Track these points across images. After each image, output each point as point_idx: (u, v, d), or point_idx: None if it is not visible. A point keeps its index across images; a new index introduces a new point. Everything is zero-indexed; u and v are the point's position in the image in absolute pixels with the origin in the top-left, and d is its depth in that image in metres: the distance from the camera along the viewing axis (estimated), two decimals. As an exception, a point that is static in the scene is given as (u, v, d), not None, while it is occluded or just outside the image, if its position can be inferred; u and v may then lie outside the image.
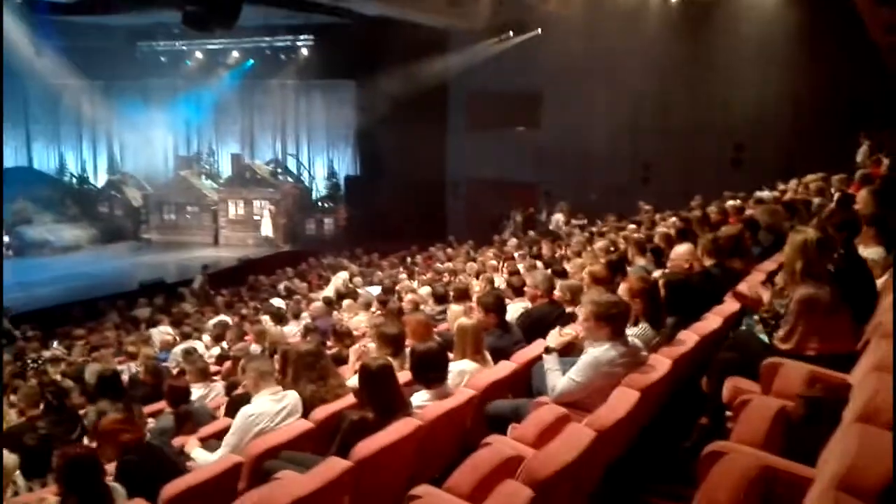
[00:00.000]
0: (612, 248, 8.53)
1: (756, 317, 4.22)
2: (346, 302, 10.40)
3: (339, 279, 13.90)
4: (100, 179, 25.93)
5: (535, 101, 19.82)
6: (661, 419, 4.24)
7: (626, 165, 18.37)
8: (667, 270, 5.43)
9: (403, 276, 13.62)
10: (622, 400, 3.40)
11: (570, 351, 4.20)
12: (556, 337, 4.12)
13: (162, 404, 5.99)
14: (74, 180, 25.59)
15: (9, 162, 24.61)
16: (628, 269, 6.36)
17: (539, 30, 19.12)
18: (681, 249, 5.18)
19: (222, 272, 18.96)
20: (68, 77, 22.60)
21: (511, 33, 19.54)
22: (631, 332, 3.99)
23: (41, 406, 6.47)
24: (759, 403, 3.01)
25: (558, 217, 17.32)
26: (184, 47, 23.67)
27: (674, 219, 11.44)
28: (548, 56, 18.69)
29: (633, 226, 11.55)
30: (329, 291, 13.12)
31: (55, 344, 12.08)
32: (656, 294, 4.48)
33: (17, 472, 4.41)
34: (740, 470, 2.29)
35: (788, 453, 2.81)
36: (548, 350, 4.04)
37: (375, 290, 12.16)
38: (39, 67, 21.39)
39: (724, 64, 16.75)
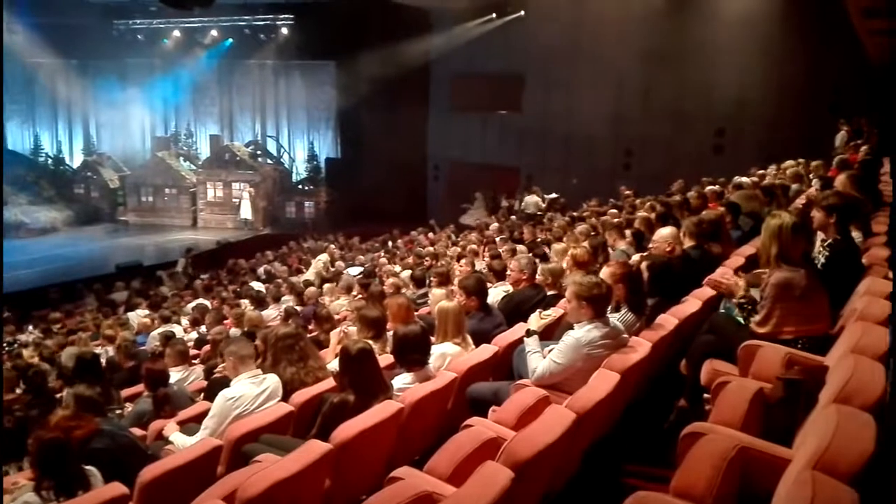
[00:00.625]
0: (593, 233, 8.56)
1: (734, 300, 4.25)
2: (326, 285, 10.37)
3: (319, 262, 13.87)
4: (76, 160, 25.55)
5: (518, 84, 19.76)
6: (641, 401, 4.27)
7: (608, 150, 18.42)
8: (647, 254, 5.45)
9: (384, 259, 13.59)
10: (602, 382, 3.41)
11: (550, 334, 4.21)
12: (536, 319, 4.12)
13: (140, 388, 5.94)
14: (50, 161, 25.20)
15: (-19, 142, 24.19)
16: (610, 252, 6.38)
17: (522, 12, 19.01)
18: (664, 232, 5.19)
19: (201, 255, 18.78)
20: (43, 55, 22.19)
21: (493, 15, 19.40)
22: (613, 317, 4.00)
23: (17, 389, 6.41)
24: (737, 385, 3.04)
25: (534, 200, 17.36)
26: (161, 25, 23.27)
27: (650, 203, 11.54)
28: (531, 39, 18.63)
29: (613, 210, 11.59)
30: (310, 275, 13.10)
31: (30, 327, 11.92)
32: (638, 279, 4.50)
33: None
34: (718, 450, 2.31)
35: (766, 434, 2.85)
36: (528, 333, 4.04)
37: (356, 272, 12.17)
38: (14, 45, 20.92)
39: (707, 49, 16.78)
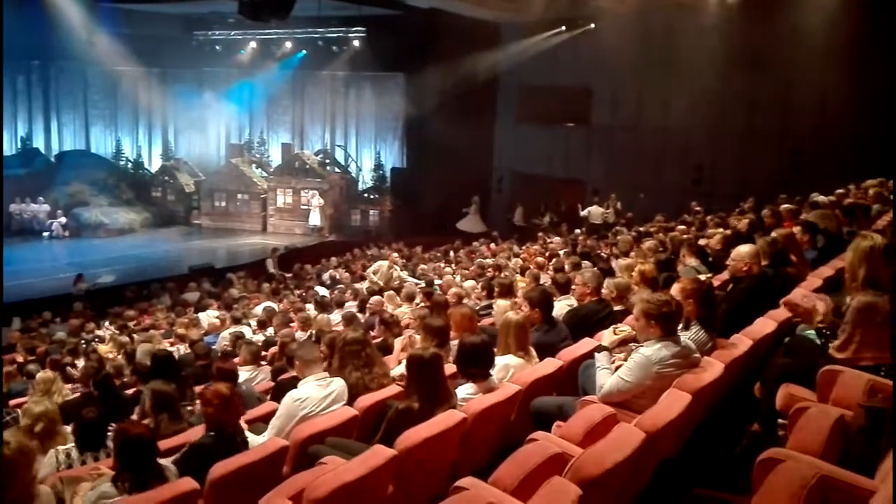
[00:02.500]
0: (661, 248, 8.39)
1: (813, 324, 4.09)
2: (387, 293, 10.46)
3: (379, 269, 13.88)
4: (154, 165, 26.54)
5: (586, 96, 19.60)
6: (711, 423, 4.15)
7: (677, 165, 18.03)
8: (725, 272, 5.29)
9: (447, 269, 13.64)
10: (673, 402, 3.34)
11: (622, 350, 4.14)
12: (610, 335, 4.06)
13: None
14: (130, 165, 26.22)
15: (67, 145, 25.50)
16: (679, 269, 6.25)
17: (592, 24, 18.87)
18: (742, 251, 5.04)
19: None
20: (126, 64, 23.24)
21: (563, 28, 19.33)
22: (684, 335, 3.91)
23: (95, 383, 6.68)
24: (817, 411, 2.93)
25: (598, 210, 17.25)
26: (238, 37, 24.07)
27: (718, 218, 11.26)
28: (599, 52, 18.45)
29: (682, 226, 11.36)
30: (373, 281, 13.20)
31: (107, 323, 12.45)
32: (710, 296, 4.39)
33: (72, 444, 4.54)
34: (798, 478, 2.23)
35: (846, 463, 2.73)
36: (600, 348, 3.98)
37: (417, 282, 12.26)
38: (99, 54, 22.04)
39: (784, 65, 16.21)
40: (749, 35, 16.48)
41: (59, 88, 25.24)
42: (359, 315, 9.43)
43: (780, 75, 16.32)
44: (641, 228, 12.29)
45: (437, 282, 12.06)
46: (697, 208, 13.69)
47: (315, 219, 22.93)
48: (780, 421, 3.73)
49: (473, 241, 17.23)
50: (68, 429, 5.33)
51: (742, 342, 4.24)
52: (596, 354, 4.00)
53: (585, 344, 4.76)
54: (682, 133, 17.85)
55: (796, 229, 6.81)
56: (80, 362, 8.99)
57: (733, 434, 4.06)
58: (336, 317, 9.39)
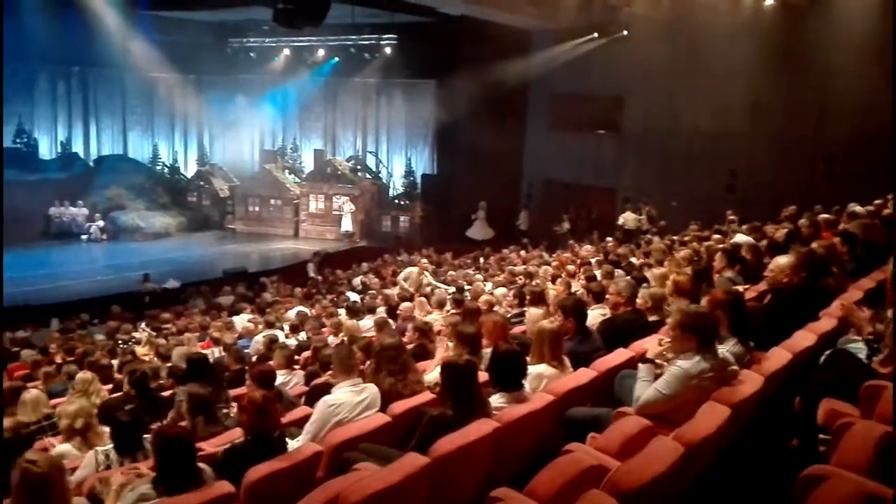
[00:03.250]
0: (695, 258, 8.29)
1: (855, 336, 4.01)
2: (418, 300, 10.47)
3: (409, 276, 13.92)
4: (190, 170, 26.97)
5: (618, 103, 19.47)
6: (750, 437, 4.08)
7: (710, 172, 17.80)
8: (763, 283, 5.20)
9: (477, 276, 13.61)
10: (712, 415, 3.29)
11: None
12: (655, 347, 4.00)
13: (244, 389, 6.18)
14: (166, 170, 26.66)
15: (105, 150, 26.04)
16: (715, 279, 6.17)
17: (625, 31, 18.76)
18: (782, 262, 4.95)
19: (301, 264, 19.44)
20: (163, 70, 23.68)
21: (595, 35, 19.24)
22: (721, 348, 3.85)
23: (131, 383, 6.79)
24: (862, 428, 2.86)
25: (632, 217, 17.16)
26: (272, 44, 24.40)
27: (745, 227, 11.07)
28: (631, 58, 18.33)
29: (717, 235, 11.19)
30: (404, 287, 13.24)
31: (143, 325, 12.67)
32: (742, 307, 4.32)
33: (111, 445, 4.62)
34: (843, 496, 2.19)
35: (891, 481, 2.67)
36: (643, 359, 3.93)
37: (447, 289, 12.27)
38: (137, 60, 22.50)
39: (820, 71, 15.91)
40: (783, 39, 16.22)
41: (97, 94, 25.80)
42: (390, 321, 9.47)
43: (815, 80, 16.03)
44: (675, 237, 12.14)
45: (466, 288, 12.11)
46: (732, 217, 13.47)
47: (347, 224, 23.13)
48: (820, 436, 3.66)
49: (503, 249, 17.18)
50: (105, 428, 5.45)
51: (781, 355, 4.17)
52: (639, 365, 3.95)
53: (620, 354, 4.72)
54: (715, 140, 17.62)
55: (836, 240, 6.68)
56: (116, 363, 9.19)
57: (772, 449, 3.99)
58: (367, 322, 9.45)
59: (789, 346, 4.29)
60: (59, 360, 10.04)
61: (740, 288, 5.51)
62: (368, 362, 4.90)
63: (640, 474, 2.59)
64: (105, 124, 26.23)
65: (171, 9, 21.92)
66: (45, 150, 24.62)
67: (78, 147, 25.50)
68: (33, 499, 3.16)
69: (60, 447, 5.03)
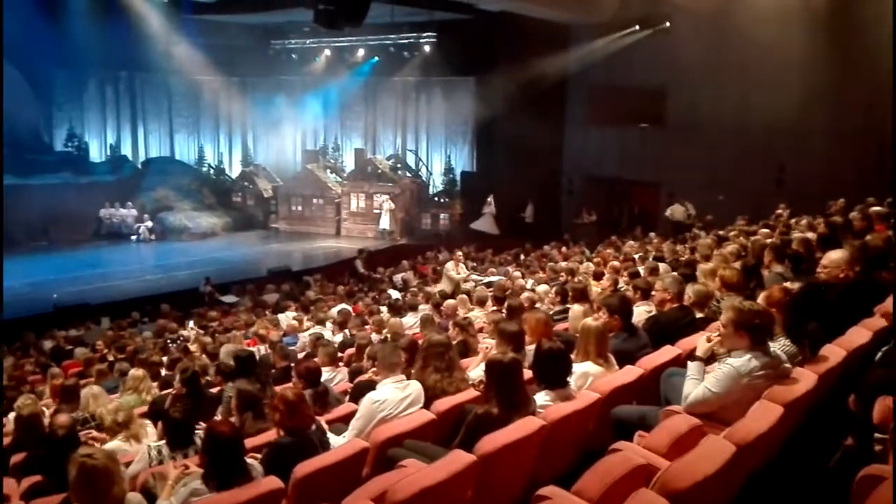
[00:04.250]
0: (742, 253, 8.11)
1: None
2: (460, 297, 10.47)
3: (449, 272, 13.92)
4: (234, 171, 27.48)
5: (660, 97, 19.14)
6: (803, 437, 3.98)
7: (758, 166, 17.38)
8: (817, 278, 5.04)
9: (517, 273, 13.55)
10: (764, 414, 3.22)
11: (710, 359, 4.01)
12: (703, 344, 3.92)
13: (290, 385, 6.27)
14: (212, 171, 27.20)
15: (153, 152, 26.71)
16: (764, 275, 6.02)
17: (667, 23, 18.44)
18: (837, 256, 4.80)
19: (343, 263, 19.65)
20: (208, 73, 24.19)
21: (637, 27, 18.96)
22: (772, 346, 3.76)
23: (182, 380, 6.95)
24: (922, 427, 2.76)
25: (680, 209, 16.93)
26: (314, 45, 24.68)
27: (807, 222, 10.78)
28: (675, 51, 17.99)
29: (765, 230, 10.93)
30: (444, 286, 13.29)
31: (191, 324, 12.94)
32: (799, 306, 4.20)
33: (163, 441, 4.74)
34: (906, 499, 2.11)
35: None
36: (693, 357, 3.86)
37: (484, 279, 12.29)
38: (182, 64, 23.02)
39: (870, 65, 15.35)
40: (834, 27, 15.71)
41: (145, 98, 26.46)
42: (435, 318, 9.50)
43: (867, 70, 15.47)
44: (721, 232, 11.89)
45: (494, 280, 12.12)
46: (779, 210, 13.14)
47: (385, 223, 23.28)
48: (876, 435, 3.55)
49: (544, 245, 17.07)
50: (146, 422, 5.60)
51: (835, 353, 4.05)
52: (688, 363, 3.88)
53: (666, 352, 4.64)
54: (762, 133, 17.17)
55: (888, 233, 6.46)
56: (166, 360, 9.41)
57: (826, 448, 3.88)
58: (409, 320, 9.49)
59: (843, 344, 4.17)
60: (110, 357, 10.34)
61: (791, 284, 5.37)
62: (416, 359, 4.90)
63: (692, 474, 2.55)
64: (152, 127, 26.90)
65: (214, 13, 22.34)
66: (96, 154, 25.34)
67: (126, 150, 26.19)
68: (91, 491, 3.25)
69: (111, 443, 5.17)
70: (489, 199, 22.29)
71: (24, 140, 22.74)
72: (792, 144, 16.78)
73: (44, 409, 6.70)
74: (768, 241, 8.47)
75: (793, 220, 11.60)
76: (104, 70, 24.67)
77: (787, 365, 3.69)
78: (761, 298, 4.13)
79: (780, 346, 3.90)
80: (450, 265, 13.69)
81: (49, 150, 23.78)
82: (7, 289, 16.35)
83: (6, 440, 6.26)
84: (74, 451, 3.44)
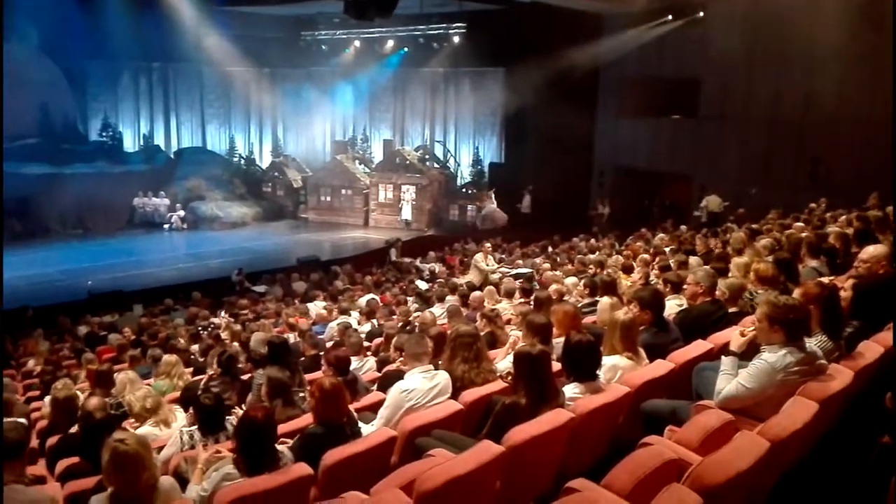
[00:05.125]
0: (776, 247, 7.97)
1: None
2: (487, 289, 10.45)
3: (479, 264, 13.88)
4: (265, 161, 27.74)
5: (693, 88, 18.85)
6: (838, 434, 3.91)
7: (791, 159, 17.05)
8: (855, 274, 4.93)
9: (546, 265, 13.49)
10: (799, 410, 3.16)
11: (745, 353, 3.95)
12: (737, 339, 3.86)
13: (319, 374, 6.32)
14: (243, 161, 27.49)
15: (185, 142, 27.07)
16: (800, 269, 5.92)
17: (700, 13, 18.14)
18: (875, 251, 4.70)
19: (371, 253, 19.74)
20: (239, 64, 24.43)
21: (670, 17, 18.68)
22: (808, 342, 3.68)
23: (209, 370, 7.07)
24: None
25: (716, 200, 16.75)
26: (343, 36, 24.77)
27: (845, 217, 10.55)
28: (708, 41, 17.72)
29: (799, 224, 10.73)
30: (473, 277, 13.28)
31: (222, 312, 13.10)
32: (835, 301, 4.12)
33: (195, 427, 4.80)
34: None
35: None
36: (727, 352, 3.80)
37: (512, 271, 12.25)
38: (214, 55, 23.26)
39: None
40: (871, 18, 15.27)
41: (177, 89, 26.82)
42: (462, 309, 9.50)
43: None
44: (755, 225, 11.70)
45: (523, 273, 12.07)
46: (813, 205, 12.88)
47: (406, 213, 23.35)
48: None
49: (573, 237, 16.96)
50: (175, 407, 5.68)
51: (872, 349, 3.97)
52: (722, 358, 3.82)
53: (698, 346, 4.59)
54: (797, 125, 16.85)
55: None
56: (195, 347, 9.56)
57: (862, 446, 3.81)
58: (437, 311, 9.50)
59: (881, 340, 4.08)
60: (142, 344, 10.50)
61: (827, 279, 5.26)
62: (444, 349, 4.91)
63: (725, 469, 2.51)
64: (185, 118, 27.25)
65: (246, 4, 22.52)
66: (129, 144, 25.76)
67: (159, 140, 26.59)
68: (122, 476, 3.31)
69: (142, 429, 5.27)
70: (490, 193, 22.60)
71: (61, 130, 23.21)
72: (826, 136, 16.43)
73: (78, 392, 6.85)
74: (803, 234, 8.33)
75: (828, 214, 11.37)
76: (138, 61, 25.05)
77: (823, 361, 3.62)
78: (797, 293, 4.05)
79: (816, 341, 3.83)
80: (479, 257, 13.66)
81: (84, 140, 24.22)
82: (43, 276, 16.83)
83: (43, 423, 6.43)
84: (109, 434, 3.50)
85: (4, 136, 21.10)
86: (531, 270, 12.81)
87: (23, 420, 5.97)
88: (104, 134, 24.78)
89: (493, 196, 22.67)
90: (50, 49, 22.21)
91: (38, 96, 22.48)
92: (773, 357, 3.50)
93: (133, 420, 5.51)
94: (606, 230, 18.20)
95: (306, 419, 4.68)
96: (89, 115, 24.78)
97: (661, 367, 4.33)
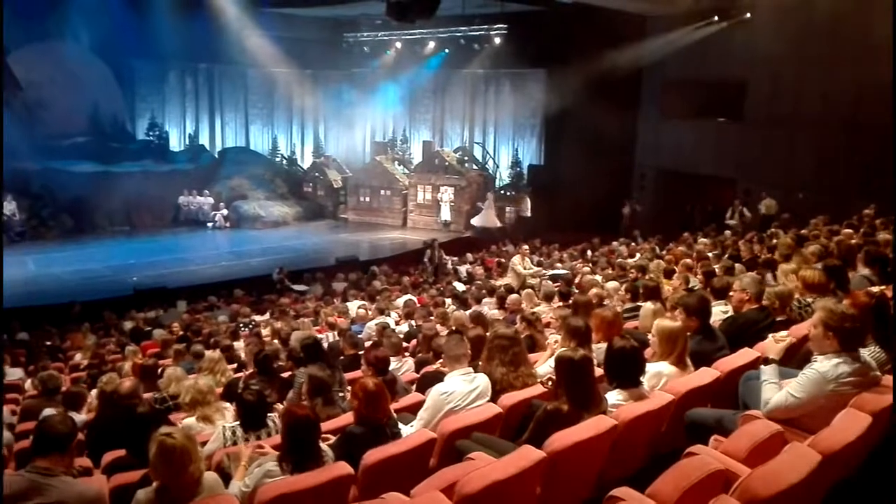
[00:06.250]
0: (825, 253, 7.75)
1: None
2: (525, 291, 10.40)
3: (516, 267, 13.83)
4: (306, 161, 28.08)
5: (739, 90, 18.47)
6: (889, 447, 3.78)
7: (841, 164, 16.58)
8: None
9: (586, 268, 13.36)
10: (851, 423, 3.07)
11: (787, 361, 3.86)
12: (774, 346, 3.77)
13: (358, 373, 6.36)
14: (284, 161, 27.88)
15: (229, 142, 27.56)
16: (850, 277, 5.75)
17: (747, 14, 17.77)
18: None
19: (408, 254, 19.81)
20: (282, 66, 24.76)
21: (715, 18, 18.35)
22: (862, 352, 3.57)
23: (255, 362, 7.14)
24: None
25: (773, 203, 16.45)
26: (385, 38, 24.91)
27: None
28: (755, 42, 17.32)
29: (848, 230, 10.44)
30: (510, 280, 13.23)
31: (267, 315, 13.25)
32: (887, 311, 3.99)
33: (237, 423, 4.87)
34: None
35: None
36: (767, 361, 3.72)
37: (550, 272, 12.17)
38: (258, 57, 23.64)
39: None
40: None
41: (222, 89, 27.33)
42: (496, 312, 9.47)
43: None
44: (803, 231, 11.41)
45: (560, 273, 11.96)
46: (869, 211, 12.52)
47: (445, 214, 23.35)
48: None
49: (612, 241, 16.78)
50: (225, 404, 5.76)
51: (929, 361, 3.82)
52: (762, 367, 3.74)
53: (745, 354, 4.48)
54: (848, 128, 16.37)
55: None
56: (237, 344, 9.69)
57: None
58: (485, 310, 9.48)
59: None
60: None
61: (877, 288, 5.11)
62: (483, 351, 4.89)
63: (775, 482, 2.45)
64: (229, 118, 27.75)
65: (290, 6, 22.82)
66: (175, 143, 26.31)
67: (204, 140, 27.09)
68: (169, 469, 3.38)
69: (185, 420, 5.37)
70: (488, 195, 22.72)
71: (110, 129, 23.84)
72: (878, 141, 15.91)
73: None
74: (852, 241, 8.09)
75: (877, 220, 11.03)
76: (184, 62, 25.58)
77: (877, 372, 3.51)
78: (847, 302, 3.93)
79: (869, 352, 3.71)
80: (516, 259, 13.61)
81: (132, 139, 24.83)
82: (90, 271, 17.31)
83: (90, 415, 6.59)
84: (156, 428, 3.57)
85: (58, 134, 21.90)
86: (568, 272, 12.72)
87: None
88: (151, 133, 25.36)
89: (490, 197, 22.67)
90: (100, 49, 22.84)
91: (90, 96, 23.16)
92: (824, 367, 3.40)
93: (182, 413, 5.62)
94: (629, 230, 17.98)
95: (346, 418, 4.71)
96: (137, 114, 25.38)
97: (706, 375, 4.24)
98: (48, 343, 11.87)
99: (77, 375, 9.88)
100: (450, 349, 4.74)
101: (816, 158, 16.89)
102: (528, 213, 22.57)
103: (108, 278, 16.88)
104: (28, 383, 8.95)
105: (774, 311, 5.26)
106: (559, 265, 14.48)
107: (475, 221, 22.84)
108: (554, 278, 11.73)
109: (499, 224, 22.50)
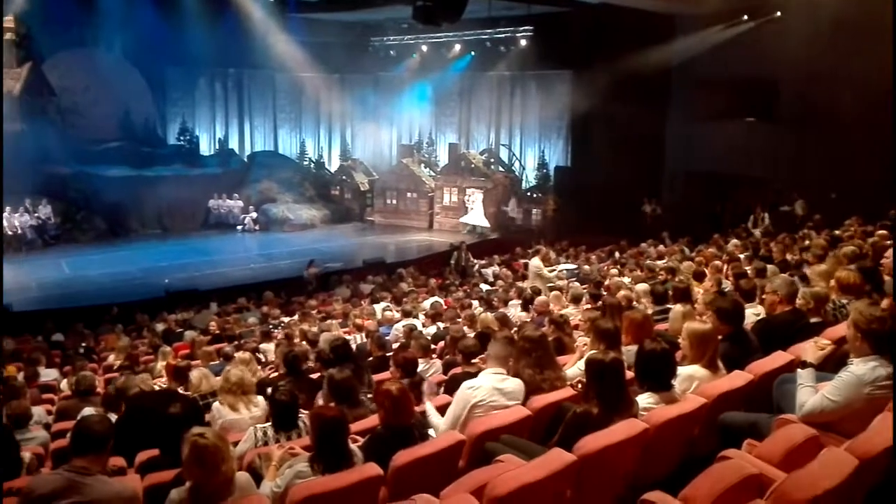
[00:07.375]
0: (859, 255, 7.61)
1: None
2: (553, 294, 10.34)
3: (541, 271, 13.69)
4: (333, 164, 28.27)
5: (770, 89, 18.19)
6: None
7: (877, 164, 16.22)
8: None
9: (613, 270, 13.25)
10: (888, 426, 3.00)
11: (823, 365, 3.79)
12: (813, 350, 3.72)
13: (386, 375, 6.39)
14: (312, 165, 28.12)
15: (258, 146, 27.89)
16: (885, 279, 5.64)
17: (778, 13, 17.51)
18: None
19: (434, 256, 19.83)
20: (310, 70, 24.99)
21: (745, 17, 18.11)
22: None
23: (285, 362, 7.20)
24: None
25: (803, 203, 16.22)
26: (411, 41, 25.01)
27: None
28: (786, 42, 17.01)
29: (882, 231, 10.23)
30: (534, 282, 13.14)
31: (296, 317, 13.35)
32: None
33: (269, 423, 4.92)
34: None
35: None
36: (804, 364, 3.67)
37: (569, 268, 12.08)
38: (286, 61, 23.89)
39: None
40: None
41: (251, 94, 27.69)
42: (522, 314, 9.45)
43: None
44: (837, 232, 11.21)
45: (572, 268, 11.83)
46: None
47: (478, 218, 23.32)
48: None
49: (641, 243, 16.62)
50: (258, 397, 5.82)
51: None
52: (798, 371, 3.68)
53: (778, 357, 4.42)
54: (880, 128, 16.02)
55: None
56: (266, 346, 9.79)
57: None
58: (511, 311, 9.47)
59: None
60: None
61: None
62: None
63: (811, 487, 2.41)
64: (258, 122, 28.09)
65: (317, 11, 23.02)
66: (205, 147, 26.70)
67: (233, 144, 27.44)
68: (202, 469, 3.42)
69: (214, 405, 5.46)
70: (481, 193, 22.96)
71: (142, 134, 24.26)
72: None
73: (156, 387, 7.11)
74: (887, 242, 7.94)
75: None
76: (214, 67, 25.95)
77: (916, 376, 3.43)
78: (885, 304, 3.86)
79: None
80: (538, 262, 13.49)
81: (163, 144, 25.24)
82: (123, 274, 17.63)
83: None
84: (189, 429, 3.62)
85: (91, 139, 22.35)
86: (575, 266, 12.61)
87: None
88: (182, 138, 25.76)
89: (480, 199, 22.88)
90: (132, 56, 23.27)
91: (122, 101, 23.61)
92: (861, 369, 3.34)
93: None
94: (653, 230, 17.77)
95: (373, 420, 4.73)
96: (168, 119, 25.80)
97: (738, 378, 4.19)
98: (84, 345, 12.09)
99: (110, 376, 10.06)
100: (496, 350, 4.73)
101: (849, 158, 16.56)
102: (515, 214, 22.71)
103: (141, 280, 17.17)
104: (63, 383, 9.12)
105: (808, 312, 5.18)
106: (587, 268, 14.35)
107: (465, 219, 22.97)
108: (570, 277, 11.66)
109: (488, 224, 22.62)
